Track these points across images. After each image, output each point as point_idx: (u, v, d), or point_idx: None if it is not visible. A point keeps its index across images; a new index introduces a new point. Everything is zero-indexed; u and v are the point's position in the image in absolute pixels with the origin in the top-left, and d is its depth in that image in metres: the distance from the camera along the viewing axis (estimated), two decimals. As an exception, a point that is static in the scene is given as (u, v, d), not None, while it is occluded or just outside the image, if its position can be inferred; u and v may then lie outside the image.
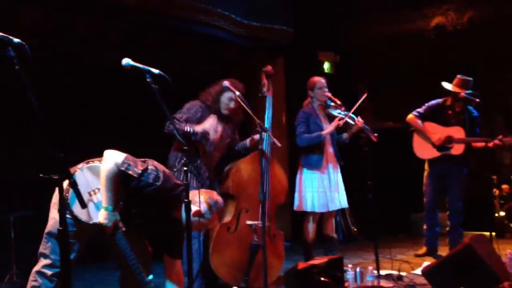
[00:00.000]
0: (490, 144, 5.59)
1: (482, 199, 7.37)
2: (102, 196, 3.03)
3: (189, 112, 4.45)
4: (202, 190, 3.25)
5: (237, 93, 4.45)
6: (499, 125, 9.51)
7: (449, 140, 5.87)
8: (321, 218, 5.39)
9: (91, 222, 3.08)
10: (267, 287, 3.91)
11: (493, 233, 5.47)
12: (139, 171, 3.02)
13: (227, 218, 4.50)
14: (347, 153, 5.59)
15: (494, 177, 8.13)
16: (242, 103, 4.39)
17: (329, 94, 5.26)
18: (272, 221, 4.69)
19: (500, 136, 5.63)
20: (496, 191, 8.24)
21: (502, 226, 7.71)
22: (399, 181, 6.81)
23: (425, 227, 6.31)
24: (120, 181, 3.01)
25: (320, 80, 5.32)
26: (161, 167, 3.18)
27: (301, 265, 3.25)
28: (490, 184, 7.86)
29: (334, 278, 3.32)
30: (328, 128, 5.16)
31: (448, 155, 5.90)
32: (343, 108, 5.18)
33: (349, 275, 4.47)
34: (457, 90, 5.80)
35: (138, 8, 5.65)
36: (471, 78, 5.81)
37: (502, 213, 7.89)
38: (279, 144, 4.44)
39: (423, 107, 6.05)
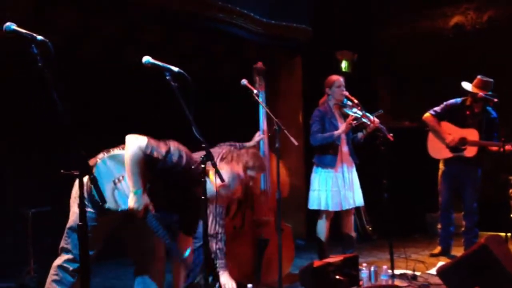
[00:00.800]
0: (504, 148, 5.53)
1: (498, 200, 7.33)
2: (129, 182, 3.06)
3: None
4: (223, 163, 3.39)
5: (255, 91, 4.48)
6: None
7: (463, 142, 5.86)
8: (339, 216, 5.47)
9: (119, 210, 3.10)
10: (281, 283, 3.95)
11: (509, 234, 5.44)
12: (163, 153, 3.08)
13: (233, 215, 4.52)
14: (364, 152, 5.61)
15: (511, 177, 8.07)
16: (260, 101, 4.43)
17: (347, 93, 5.29)
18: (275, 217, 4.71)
19: None
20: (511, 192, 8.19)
21: (518, 227, 7.66)
22: (415, 181, 6.80)
23: (439, 226, 6.30)
24: (145, 164, 3.05)
25: (338, 79, 5.36)
26: (182, 147, 3.23)
27: (317, 263, 3.28)
28: (506, 184, 7.81)
29: (350, 276, 3.34)
30: (341, 128, 5.21)
31: (461, 156, 5.88)
32: (359, 108, 5.19)
33: (364, 274, 4.48)
34: (476, 90, 5.77)
35: (155, 6, 5.70)
36: (491, 79, 5.77)
37: (519, 214, 7.83)
38: (295, 143, 4.46)
39: (441, 106, 6.03)
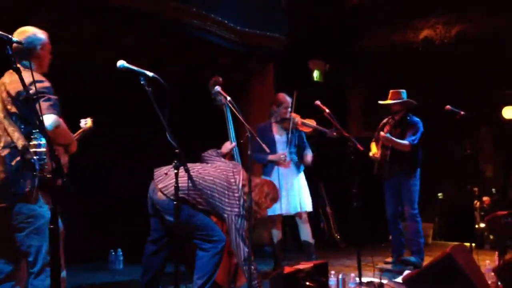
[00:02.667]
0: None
1: (463, 211, 7.50)
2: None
3: None
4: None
5: (228, 98, 4.50)
6: (483, 136, 9.71)
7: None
8: (296, 225, 5.68)
9: None
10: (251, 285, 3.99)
11: (473, 244, 5.57)
12: None
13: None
14: (333, 162, 5.70)
15: (476, 189, 8.28)
16: (233, 108, 4.44)
17: (318, 102, 5.39)
18: None
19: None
20: (477, 203, 8.40)
21: (482, 237, 7.85)
22: (383, 190, 6.89)
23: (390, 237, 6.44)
24: None
25: (288, 101, 5.62)
26: None
27: (287, 269, 3.31)
28: (471, 196, 8.01)
29: (319, 282, 3.38)
30: (273, 156, 5.49)
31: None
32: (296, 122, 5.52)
33: (332, 281, 4.54)
34: (390, 102, 5.96)
35: (131, 11, 5.69)
36: (402, 90, 5.96)
37: (482, 225, 8.03)
38: (267, 150, 4.55)
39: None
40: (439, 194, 9.22)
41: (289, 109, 5.57)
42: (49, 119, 2.93)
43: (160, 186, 4.09)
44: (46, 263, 3.02)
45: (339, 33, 9.12)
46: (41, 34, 3.25)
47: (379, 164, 6.04)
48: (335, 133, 5.10)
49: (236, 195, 4.15)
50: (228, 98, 4.50)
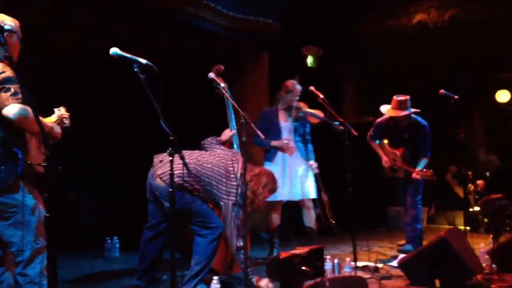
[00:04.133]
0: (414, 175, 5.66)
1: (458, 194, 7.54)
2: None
3: None
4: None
5: (222, 84, 4.49)
6: (476, 122, 9.75)
7: (394, 166, 5.96)
8: (300, 210, 5.67)
9: None
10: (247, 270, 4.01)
11: (468, 228, 5.61)
12: None
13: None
14: (328, 147, 5.71)
15: (470, 172, 8.33)
16: (227, 95, 4.43)
17: (312, 88, 5.38)
18: None
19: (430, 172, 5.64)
20: (471, 187, 8.45)
21: (476, 221, 7.91)
22: (377, 175, 6.93)
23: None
24: None
25: (297, 89, 5.57)
26: None
27: (283, 254, 3.33)
28: (465, 179, 8.06)
29: (315, 267, 3.41)
30: (277, 142, 5.49)
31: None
32: (305, 106, 5.46)
33: (327, 266, 4.56)
34: (392, 113, 5.74)
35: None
36: (406, 97, 5.72)
37: (477, 208, 8.09)
38: (262, 136, 4.49)
39: (373, 127, 6.11)
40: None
41: (297, 97, 5.54)
42: (10, 110, 2.87)
43: (158, 172, 4.12)
44: (35, 250, 3.02)
45: (333, 18, 9.08)
46: (11, 22, 3.12)
47: (393, 169, 5.99)
48: (341, 127, 5.08)
49: (233, 183, 4.17)
50: (222, 84, 4.50)
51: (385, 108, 5.82)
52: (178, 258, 4.35)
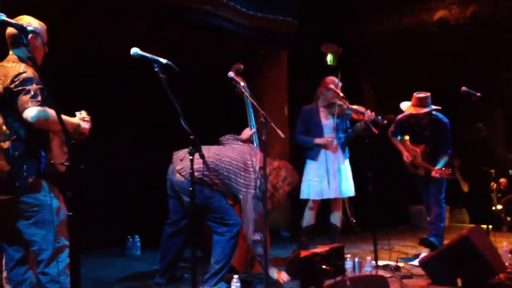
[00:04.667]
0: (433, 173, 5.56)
1: (480, 193, 7.45)
2: None
3: None
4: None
5: (242, 83, 4.50)
6: (497, 119, 9.62)
7: (415, 163, 5.89)
8: (329, 207, 5.65)
9: None
10: (267, 269, 4.02)
11: (490, 226, 5.53)
12: None
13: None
14: (349, 145, 5.68)
15: (492, 171, 8.22)
16: (247, 94, 4.44)
17: (333, 87, 5.37)
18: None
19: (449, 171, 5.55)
20: (493, 185, 8.34)
21: (499, 219, 7.81)
22: (399, 173, 6.87)
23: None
24: None
25: (336, 84, 5.43)
26: None
27: (304, 253, 3.33)
28: (488, 177, 7.96)
29: (335, 266, 3.40)
30: (321, 140, 5.44)
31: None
32: (346, 106, 5.28)
33: (348, 265, 4.55)
34: (412, 110, 5.66)
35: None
36: (427, 94, 5.63)
37: (499, 206, 7.99)
38: (282, 135, 4.50)
39: (394, 123, 6.04)
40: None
41: (341, 93, 5.36)
42: (29, 113, 2.88)
43: (178, 168, 4.16)
44: (56, 249, 3.04)
45: (352, 16, 9.04)
46: (37, 24, 3.15)
47: (414, 165, 5.94)
48: (385, 121, 5.04)
49: (252, 176, 4.18)
50: (242, 83, 4.51)
51: (405, 105, 5.77)
52: (199, 257, 4.40)
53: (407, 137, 6.10)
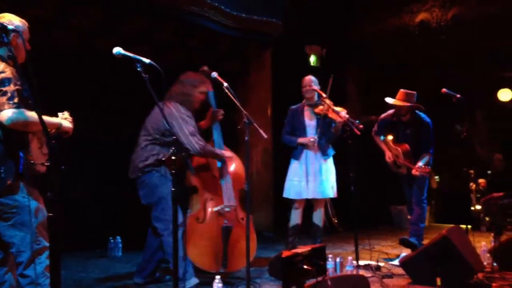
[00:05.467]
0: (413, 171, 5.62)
1: (459, 193, 7.53)
2: None
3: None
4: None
5: (225, 84, 4.50)
6: (478, 119, 9.75)
7: (397, 162, 5.93)
8: (312, 206, 5.70)
9: None
10: (249, 270, 4.02)
11: (469, 226, 5.61)
12: None
13: (195, 210, 4.58)
14: (333, 145, 5.72)
15: (471, 171, 8.32)
16: (230, 94, 4.44)
17: (315, 88, 5.41)
18: (238, 205, 4.77)
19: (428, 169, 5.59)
20: (472, 185, 8.45)
21: (478, 219, 7.91)
22: (380, 174, 6.94)
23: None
24: None
25: (304, 79, 5.57)
26: None
27: (285, 253, 3.34)
28: (467, 178, 8.05)
29: (317, 266, 3.42)
30: (303, 139, 5.50)
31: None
32: (327, 106, 5.31)
33: (329, 265, 4.59)
34: (399, 103, 5.74)
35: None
36: (414, 92, 5.76)
37: (478, 207, 8.09)
38: (265, 136, 4.51)
39: (377, 122, 6.11)
40: (436, 177, 9.27)
41: (308, 87, 5.50)
42: (4, 116, 2.86)
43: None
44: (36, 251, 3.02)
45: (336, 18, 9.10)
46: (18, 22, 3.10)
47: (396, 164, 6.00)
48: (361, 126, 5.07)
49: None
50: (225, 84, 4.51)
51: (390, 100, 5.85)
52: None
53: (390, 137, 6.17)
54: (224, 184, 4.70)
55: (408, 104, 5.71)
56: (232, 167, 4.82)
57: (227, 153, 4.75)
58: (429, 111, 5.92)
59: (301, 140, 5.51)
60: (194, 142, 4.29)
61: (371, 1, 8.99)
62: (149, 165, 4.31)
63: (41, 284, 3.03)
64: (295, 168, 5.55)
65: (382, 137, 6.13)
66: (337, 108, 5.30)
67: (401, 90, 5.81)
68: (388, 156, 5.97)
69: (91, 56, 6.07)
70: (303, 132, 5.56)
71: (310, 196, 5.52)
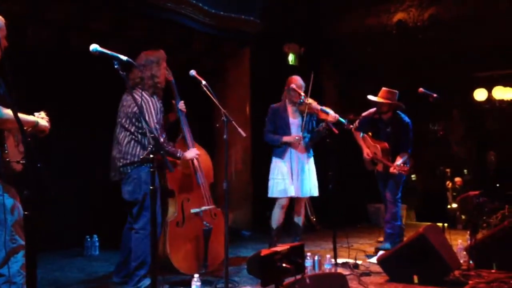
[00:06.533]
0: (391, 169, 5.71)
1: (436, 191, 7.63)
2: None
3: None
4: None
5: (203, 82, 4.48)
6: (455, 119, 9.88)
7: (375, 159, 6.01)
8: (293, 205, 5.63)
9: None
10: (227, 269, 4.02)
11: (446, 224, 5.68)
12: None
13: (173, 216, 4.53)
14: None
15: (448, 170, 8.44)
16: (208, 92, 4.43)
17: (294, 87, 5.40)
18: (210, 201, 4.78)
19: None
20: (449, 184, 8.57)
21: (454, 218, 8.02)
22: (358, 173, 6.99)
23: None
24: None
25: (299, 81, 5.47)
26: None
27: (264, 252, 3.34)
28: (443, 177, 8.16)
29: (295, 264, 3.42)
30: (288, 138, 5.40)
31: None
32: (314, 105, 5.32)
33: (308, 263, 4.60)
34: (381, 101, 5.81)
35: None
36: (396, 91, 5.85)
37: (455, 205, 8.20)
38: (243, 134, 4.51)
39: (359, 119, 6.18)
40: (412, 176, 9.37)
41: (303, 94, 5.39)
42: None
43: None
44: (11, 250, 2.98)
45: (314, 16, 9.12)
46: None
47: (373, 161, 6.04)
48: (350, 126, 5.07)
49: None
50: (203, 82, 4.48)
51: (373, 97, 5.90)
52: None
53: (369, 134, 6.23)
54: (201, 184, 4.67)
55: (389, 102, 5.78)
56: (203, 162, 4.78)
57: (191, 152, 4.61)
58: (406, 110, 5.98)
59: (286, 138, 5.41)
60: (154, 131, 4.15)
61: (349, 0, 9.03)
62: (136, 161, 4.22)
63: (16, 283, 2.98)
64: (279, 167, 5.45)
65: (361, 134, 6.18)
66: (326, 108, 5.32)
67: (384, 88, 5.88)
68: (367, 152, 6.03)
69: (67, 52, 5.98)
70: (287, 130, 5.47)
71: (295, 195, 5.44)
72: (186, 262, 4.46)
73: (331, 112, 5.24)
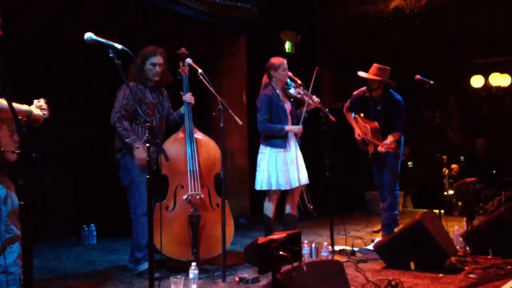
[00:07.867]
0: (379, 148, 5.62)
1: (432, 178, 7.64)
2: None
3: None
4: None
5: (200, 70, 4.46)
6: (451, 106, 9.89)
7: (365, 140, 5.94)
8: (285, 195, 5.42)
9: None
10: (225, 258, 4.02)
11: (442, 211, 5.69)
12: None
13: (165, 199, 4.54)
14: (306, 132, 5.69)
15: (444, 157, 8.45)
16: (205, 81, 4.41)
17: (290, 74, 5.26)
18: (213, 191, 4.72)
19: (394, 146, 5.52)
20: (445, 170, 8.59)
21: (450, 204, 8.05)
22: (355, 160, 6.98)
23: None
24: None
25: (283, 62, 5.20)
26: None
27: (261, 239, 3.34)
28: (440, 163, 8.18)
29: (292, 252, 3.42)
30: (291, 128, 5.15)
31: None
32: (302, 88, 5.19)
33: (305, 250, 4.62)
34: (372, 77, 5.71)
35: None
36: (388, 67, 5.75)
37: (451, 192, 8.23)
38: (240, 122, 4.48)
39: (350, 98, 6.08)
40: (409, 163, 9.39)
41: (287, 70, 5.19)
42: None
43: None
44: (7, 240, 2.99)
45: (311, 3, 9.07)
46: None
47: (364, 142, 5.98)
48: (334, 119, 5.00)
49: None
50: (200, 70, 4.46)
51: (363, 73, 5.79)
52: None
53: (361, 115, 6.18)
54: (190, 171, 4.61)
55: (380, 78, 5.68)
56: (206, 152, 4.75)
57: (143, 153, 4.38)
58: (402, 97, 5.91)
59: (289, 128, 5.13)
60: (113, 113, 4.39)
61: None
62: (122, 148, 4.43)
63: (13, 273, 2.98)
64: (280, 157, 5.13)
65: (353, 115, 6.10)
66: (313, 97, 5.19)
67: (375, 64, 5.77)
68: (358, 133, 5.95)
69: (60, 41, 5.94)
70: (285, 118, 5.17)
71: (297, 184, 5.21)
72: (172, 246, 4.46)
73: (314, 97, 5.14)
